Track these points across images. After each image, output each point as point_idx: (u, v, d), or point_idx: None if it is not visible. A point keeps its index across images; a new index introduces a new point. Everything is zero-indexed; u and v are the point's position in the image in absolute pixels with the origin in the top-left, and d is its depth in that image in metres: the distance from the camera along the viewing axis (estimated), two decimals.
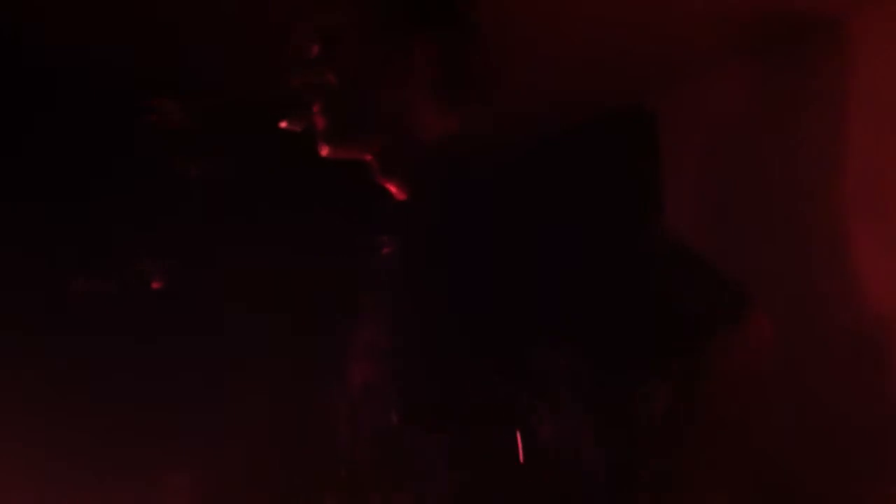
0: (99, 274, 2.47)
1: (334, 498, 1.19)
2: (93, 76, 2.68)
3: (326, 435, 1.27)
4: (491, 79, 1.28)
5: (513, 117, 1.29)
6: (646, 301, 1.10)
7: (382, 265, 1.23)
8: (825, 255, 2.30)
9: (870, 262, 2.19)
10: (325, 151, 1.25)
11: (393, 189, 1.28)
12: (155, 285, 2.27)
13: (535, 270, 1.10)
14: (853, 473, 2.15)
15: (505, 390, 1.09)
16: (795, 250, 2.38)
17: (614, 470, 1.08)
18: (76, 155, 2.57)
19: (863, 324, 2.18)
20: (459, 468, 1.09)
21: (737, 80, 2.61)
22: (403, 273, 1.19)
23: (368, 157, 1.27)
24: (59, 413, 2.34)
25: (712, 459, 1.11)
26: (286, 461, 2.43)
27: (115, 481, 2.35)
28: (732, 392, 1.09)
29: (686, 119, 2.78)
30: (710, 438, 1.10)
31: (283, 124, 1.28)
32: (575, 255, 1.11)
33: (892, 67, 2.18)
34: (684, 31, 2.41)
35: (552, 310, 1.10)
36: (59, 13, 2.36)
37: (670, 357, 1.10)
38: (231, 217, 2.29)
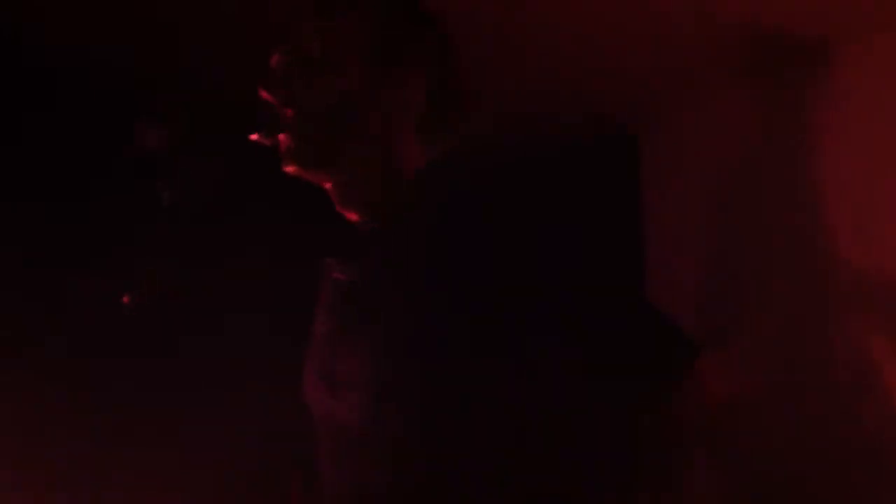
0: (93, 276, 2.47)
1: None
2: (93, 76, 2.68)
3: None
4: (471, 110, 1.26)
5: (493, 141, 1.28)
6: (611, 338, 1.10)
7: (341, 290, 1.22)
8: (816, 277, 2.31)
9: (860, 281, 2.20)
10: (289, 168, 1.23)
11: (352, 217, 1.26)
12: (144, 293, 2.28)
13: (507, 300, 1.09)
14: (852, 489, 2.16)
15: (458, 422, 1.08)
16: (784, 273, 2.39)
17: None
18: (75, 155, 2.57)
19: (857, 342, 2.19)
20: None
21: (723, 103, 2.61)
22: (364, 299, 1.17)
23: (328, 185, 1.24)
24: (47, 414, 2.34)
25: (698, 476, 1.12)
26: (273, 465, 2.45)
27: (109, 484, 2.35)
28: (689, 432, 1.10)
29: (670, 143, 2.78)
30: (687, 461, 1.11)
31: (254, 137, 1.26)
32: (545, 284, 1.10)
33: (878, 94, 2.19)
34: (671, 56, 2.41)
35: (516, 340, 1.09)
36: (59, 13, 2.35)
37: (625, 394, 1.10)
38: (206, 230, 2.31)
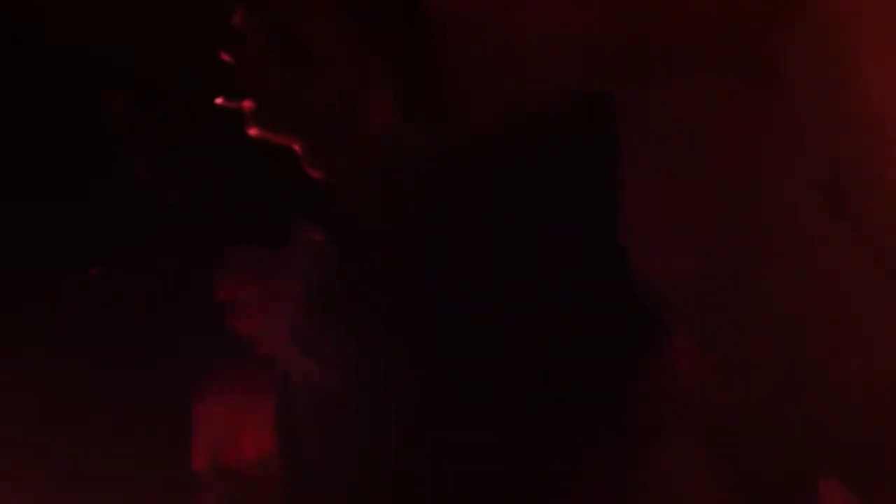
0: (92, 274, 2.48)
1: None
2: (93, 76, 2.68)
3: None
4: (447, 81, 1.26)
5: (469, 109, 1.29)
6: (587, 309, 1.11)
7: (310, 254, 1.22)
8: (786, 253, 2.32)
9: (831, 260, 2.22)
10: (253, 131, 1.24)
11: (319, 177, 1.26)
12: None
13: (483, 267, 1.09)
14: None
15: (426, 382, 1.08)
16: (758, 249, 2.40)
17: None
18: (75, 154, 2.58)
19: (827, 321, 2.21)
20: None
21: (705, 73, 2.61)
22: (333, 262, 1.17)
23: (296, 146, 1.25)
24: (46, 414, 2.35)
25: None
26: None
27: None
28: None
29: (652, 111, 2.78)
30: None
31: (220, 101, 1.27)
32: (522, 251, 1.11)
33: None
34: (653, 23, 2.42)
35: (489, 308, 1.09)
36: (60, 13, 2.36)
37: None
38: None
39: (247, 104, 1.22)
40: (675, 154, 2.76)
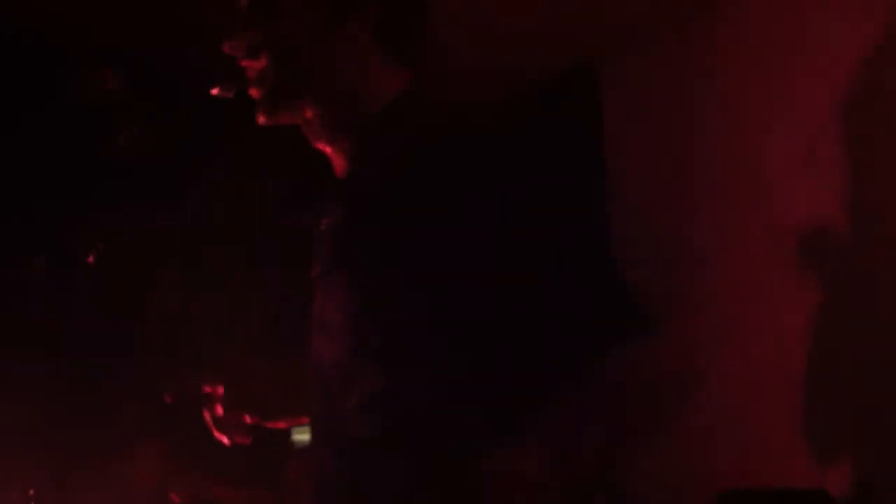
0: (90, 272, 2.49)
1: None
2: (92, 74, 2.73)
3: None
4: (429, 37, 1.28)
5: (456, 85, 1.30)
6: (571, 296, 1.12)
7: (326, 235, 1.23)
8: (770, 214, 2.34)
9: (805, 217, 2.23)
10: (261, 119, 1.25)
11: (330, 154, 1.28)
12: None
13: (481, 243, 1.11)
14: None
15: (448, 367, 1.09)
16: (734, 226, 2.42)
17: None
18: (75, 153, 2.60)
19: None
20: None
21: (681, 46, 2.64)
22: (348, 242, 1.19)
23: (301, 121, 1.26)
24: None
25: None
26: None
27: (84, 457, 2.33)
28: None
29: (633, 83, 2.81)
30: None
31: (215, 91, 1.26)
32: (512, 232, 1.13)
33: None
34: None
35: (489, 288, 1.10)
36: (60, 13, 2.41)
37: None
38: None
39: (253, 92, 1.23)
40: (657, 128, 2.77)
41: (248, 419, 1.25)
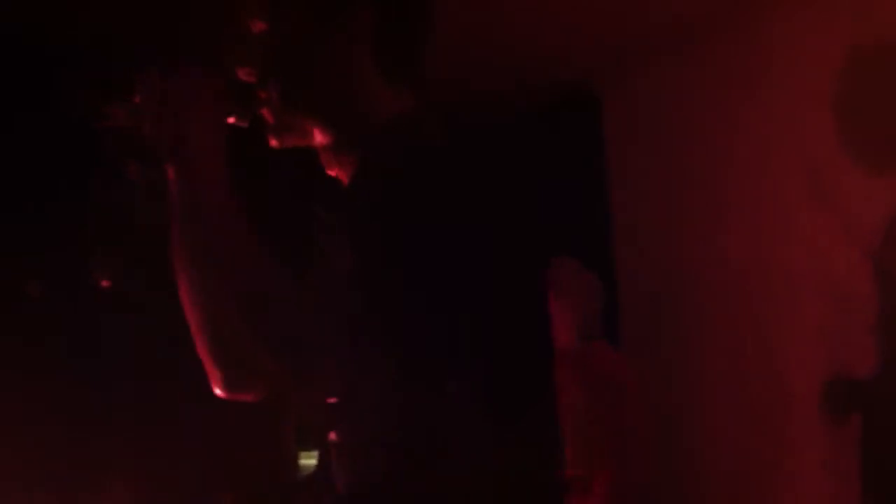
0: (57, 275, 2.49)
1: None
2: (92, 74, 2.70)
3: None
4: (429, 50, 1.28)
5: (460, 100, 1.31)
6: None
7: (328, 245, 1.24)
8: (770, 237, 2.35)
9: (815, 241, 2.24)
10: (274, 143, 1.27)
11: (339, 175, 1.29)
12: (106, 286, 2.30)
13: (480, 257, 1.12)
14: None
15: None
16: (742, 236, 2.43)
17: None
18: (74, 153, 2.59)
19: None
20: None
21: (682, 66, 2.63)
22: (349, 252, 1.20)
23: (315, 145, 1.28)
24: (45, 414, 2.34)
25: None
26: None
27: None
28: None
29: (633, 105, 2.80)
30: None
31: (231, 120, 1.29)
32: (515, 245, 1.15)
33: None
34: (633, 16, 2.44)
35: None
36: (60, 13, 2.39)
37: None
38: None
39: (265, 114, 1.25)
40: (658, 147, 2.76)
41: None
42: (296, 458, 2.54)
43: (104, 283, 2.35)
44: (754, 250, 2.37)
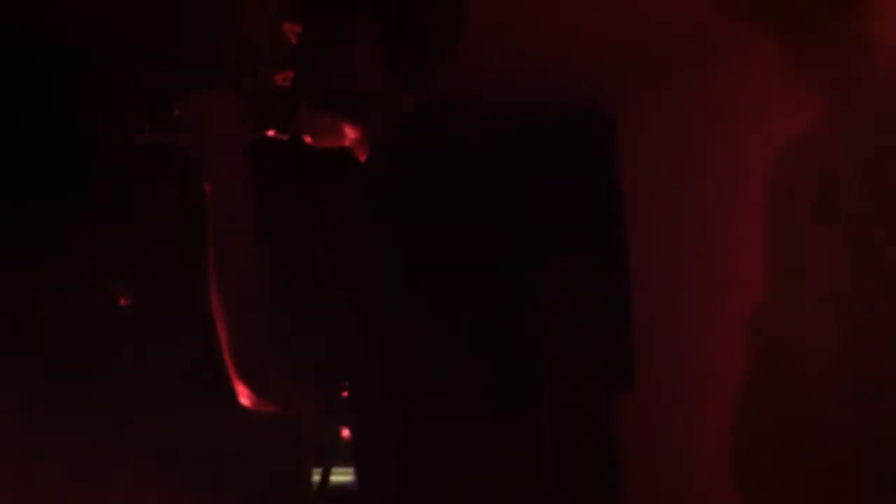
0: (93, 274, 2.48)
1: None
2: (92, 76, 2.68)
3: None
4: (442, 46, 1.29)
5: (469, 122, 1.32)
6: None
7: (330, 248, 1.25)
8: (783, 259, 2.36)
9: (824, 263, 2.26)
10: (308, 141, 1.29)
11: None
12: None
13: (486, 260, 1.14)
14: None
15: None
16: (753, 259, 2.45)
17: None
18: (74, 154, 2.57)
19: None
20: None
21: (695, 86, 2.65)
22: (362, 241, 1.20)
23: (348, 143, 1.30)
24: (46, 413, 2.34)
25: None
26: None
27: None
28: None
29: (648, 125, 2.82)
30: None
31: (271, 133, 1.31)
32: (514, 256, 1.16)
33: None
34: (647, 37, 2.46)
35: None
36: (59, 13, 2.37)
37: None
38: None
39: (301, 118, 1.27)
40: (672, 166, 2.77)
41: None
42: (310, 472, 2.54)
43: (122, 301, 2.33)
44: (766, 269, 2.38)
